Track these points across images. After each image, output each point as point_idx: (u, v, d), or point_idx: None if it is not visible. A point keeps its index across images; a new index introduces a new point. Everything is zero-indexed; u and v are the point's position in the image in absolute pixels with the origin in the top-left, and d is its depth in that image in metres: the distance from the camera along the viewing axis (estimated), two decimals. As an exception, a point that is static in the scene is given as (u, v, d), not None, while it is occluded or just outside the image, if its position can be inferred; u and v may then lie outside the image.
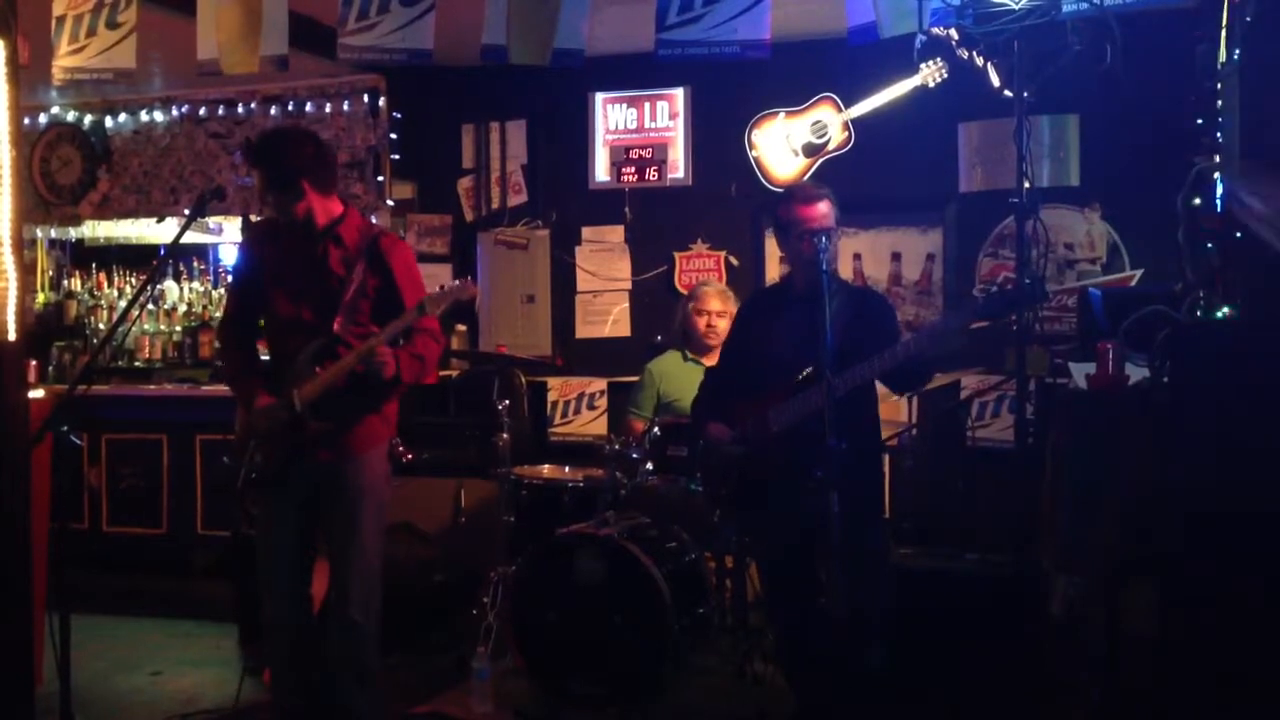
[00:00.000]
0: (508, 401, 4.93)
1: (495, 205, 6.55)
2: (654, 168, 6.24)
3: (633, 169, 6.26)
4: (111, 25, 4.69)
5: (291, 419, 3.56)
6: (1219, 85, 3.46)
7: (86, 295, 7.39)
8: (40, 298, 7.46)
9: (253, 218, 6.79)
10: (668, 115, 6.24)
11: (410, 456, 3.84)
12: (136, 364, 7.08)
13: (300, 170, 3.56)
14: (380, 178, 6.53)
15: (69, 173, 7.27)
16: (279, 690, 3.78)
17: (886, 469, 4.77)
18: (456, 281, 3.61)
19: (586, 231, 6.40)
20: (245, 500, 3.95)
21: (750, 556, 4.61)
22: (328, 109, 6.62)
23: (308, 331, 3.62)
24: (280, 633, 3.72)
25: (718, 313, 5.28)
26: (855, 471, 3.32)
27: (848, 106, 5.81)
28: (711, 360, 5.26)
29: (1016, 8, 4.10)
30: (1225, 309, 3.17)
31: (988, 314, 3.48)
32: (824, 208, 3.61)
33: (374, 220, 6.32)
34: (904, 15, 4.05)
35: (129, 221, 7.28)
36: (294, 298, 3.68)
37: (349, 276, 3.60)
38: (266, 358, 3.86)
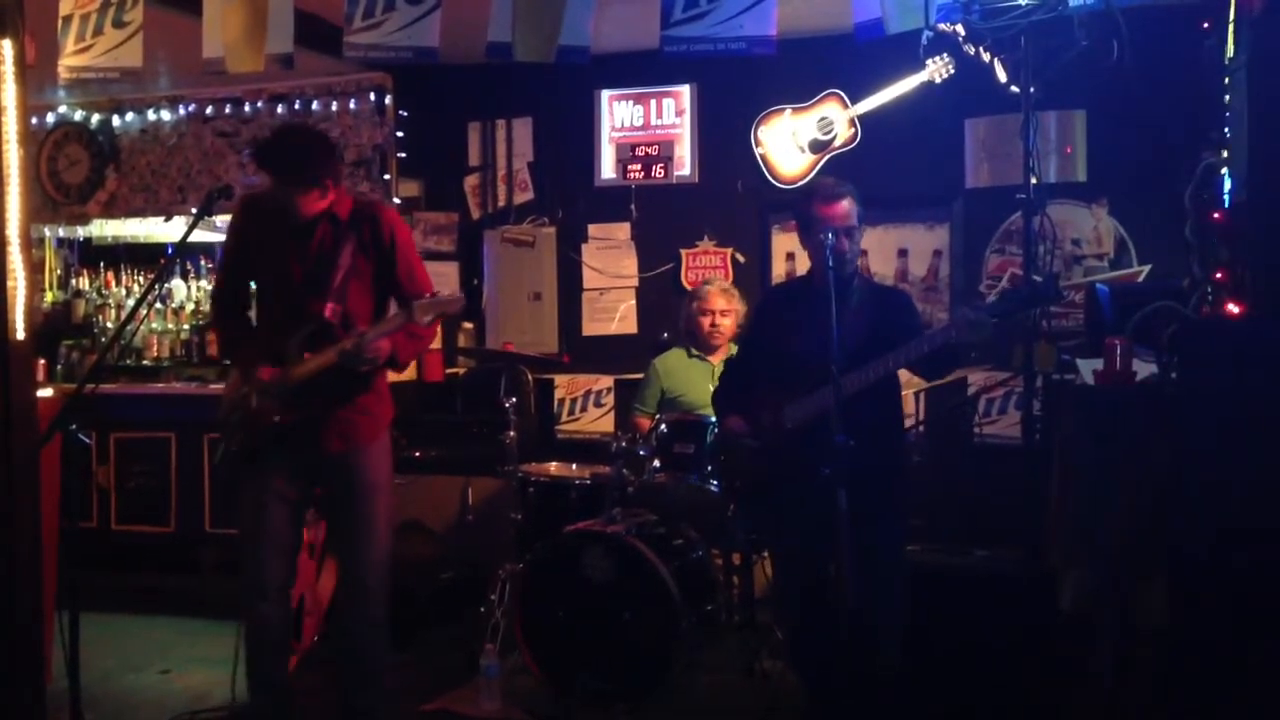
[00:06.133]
0: (515, 399, 4.93)
1: (501, 203, 6.55)
2: (660, 165, 6.24)
3: (639, 166, 6.26)
4: (118, 24, 4.69)
5: (266, 400, 3.54)
6: (1226, 80, 3.45)
7: (94, 294, 7.40)
8: (48, 296, 7.47)
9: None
10: (674, 112, 6.24)
11: (406, 442, 3.83)
12: (145, 363, 7.09)
13: (323, 172, 3.55)
14: (386, 176, 6.53)
15: (76, 172, 7.28)
16: (253, 686, 3.74)
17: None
18: (446, 292, 3.57)
19: (593, 229, 6.40)
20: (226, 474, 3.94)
21: (764, 551, 4.62)
22: (334, 107, 6.62)
23: (297, 313, 3.58)
24: (258, 626, 3.68)
25: (721, 311, 5.28)
26: (872, 469, 3.31)
27: (854, 103, 5.80)
28: (716, 358, 5.26)
29: (1023, 3, 4.10)
30: (1233, 304, 3.16)
31: (1000, 313, 3.47)
32: (846, 205, 3.60)
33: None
34: (910, 11, 4.04)
35: (136, 220, 7.28)
36: (284, 278, 3.64)
37: (337, 259, 3.57)
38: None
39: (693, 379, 5.26)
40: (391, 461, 3.77)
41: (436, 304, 3.51)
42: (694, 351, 5.35)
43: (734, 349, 5.13)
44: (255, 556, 3.66)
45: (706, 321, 5.29)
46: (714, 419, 4.36)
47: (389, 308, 3.71)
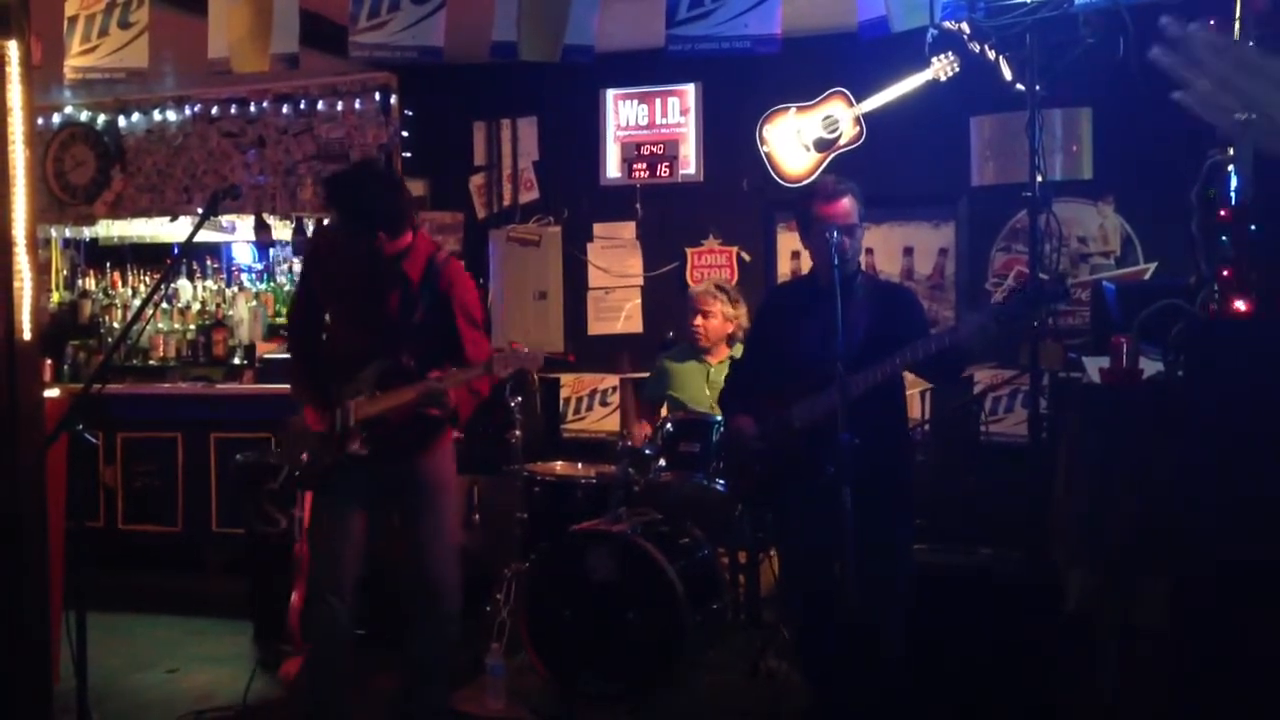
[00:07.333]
0: (520, 398, 4.94)
1: (507, 202, 6.56)
2: (665, 164, 6.24)
3: (644, 165, 6.27)
4: (123, 25, 4.70)
5: (340, 431, 3.59)
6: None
7: (101, 294, 7.43)
8: (55, 297, 7.50)
9: (265, 217, 6.82)
10: (678, 111, 6.24)
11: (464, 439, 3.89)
12: (151, 363, 7.12)
13: (377, 218, 3.57)
14: (392, 175, 6.54)
15: (83, 172, 7.29)
16: (317, 686, 3.79)
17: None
18: (527, 350, 3.60)
19: (598, 228, 6.41)
20: (272, 496, 3.91)
21: (770, 549, 4.61)
22: (339, 107, 6.63)
23: (367, 352, 3.63)
24: (330, 631, 3.72)
25: (705, 312, 5.26)
26: (877, 467, 3.31)
27: (859, 101, 5.80)
28: (715, 359, 5.26)
29: (1029, 0, 4.08)
30: (1239, 302, 3.15)
31: (1006, 316, 3.46)
32: (846, 204, 3.59)
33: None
34: (915, 9, 4.04)
35: (142, 220, 7.31)
36: (355, 320, 3.70)
37: (412, 309, 3.60)
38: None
39: (686, 379, 5.26)
40: (454, 464, 3.82)
41: (515, 358, 3.55)
42: (693, 353, 5.35)
43: (735, 351, 5.14)
44: (324, 565, 3.74)
45: (690, 320, 5.30)
46: (719, 418, 4.36)
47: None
